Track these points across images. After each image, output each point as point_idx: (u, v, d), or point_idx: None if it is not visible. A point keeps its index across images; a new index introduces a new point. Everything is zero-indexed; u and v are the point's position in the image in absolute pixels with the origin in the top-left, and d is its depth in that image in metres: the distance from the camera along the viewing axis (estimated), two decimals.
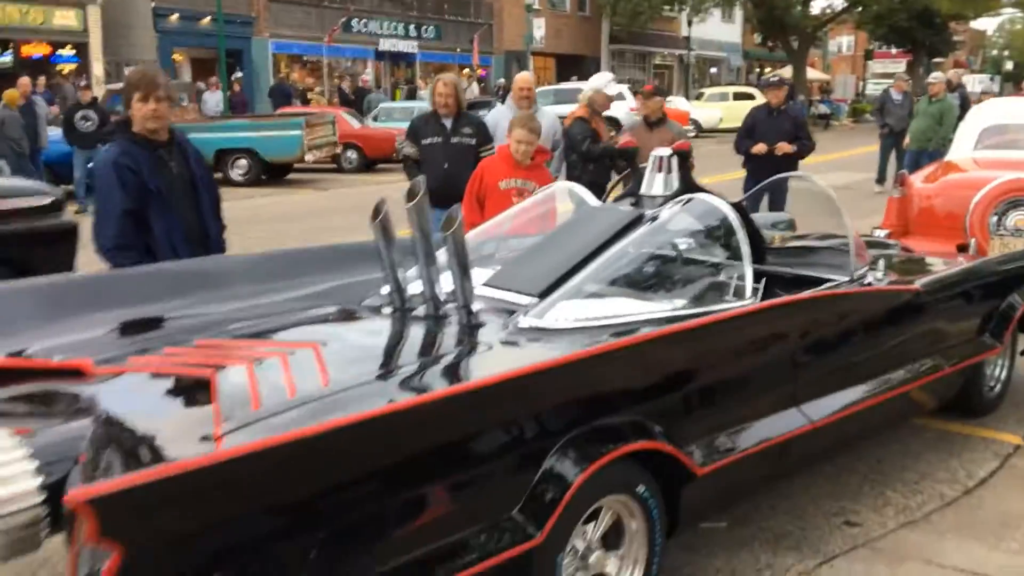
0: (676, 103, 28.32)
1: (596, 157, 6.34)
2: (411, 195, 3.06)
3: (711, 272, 3.63)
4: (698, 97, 34.12)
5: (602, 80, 6.76)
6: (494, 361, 2.73)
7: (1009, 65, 68.14)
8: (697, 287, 3.55)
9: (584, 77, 27.22)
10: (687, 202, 3.62)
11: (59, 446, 2.31)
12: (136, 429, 2.31)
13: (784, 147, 7.80)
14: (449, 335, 2.98)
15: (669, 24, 41.94)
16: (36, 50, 22.63)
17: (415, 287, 3.26)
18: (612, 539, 2.76)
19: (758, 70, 50.78)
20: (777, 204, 7.37)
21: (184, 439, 2.20)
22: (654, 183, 3.80)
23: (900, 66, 39.84)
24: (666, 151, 3.84)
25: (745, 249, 3.48)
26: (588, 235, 3.49)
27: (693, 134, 26.70)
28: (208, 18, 24.78)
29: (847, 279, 3.73)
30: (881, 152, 13.90)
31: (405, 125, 6.56)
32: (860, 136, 24.99)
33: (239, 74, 25.01)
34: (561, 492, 2.42)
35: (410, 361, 2.82)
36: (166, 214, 3.66)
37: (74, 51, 22.97)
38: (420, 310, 3.20)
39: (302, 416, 2.22)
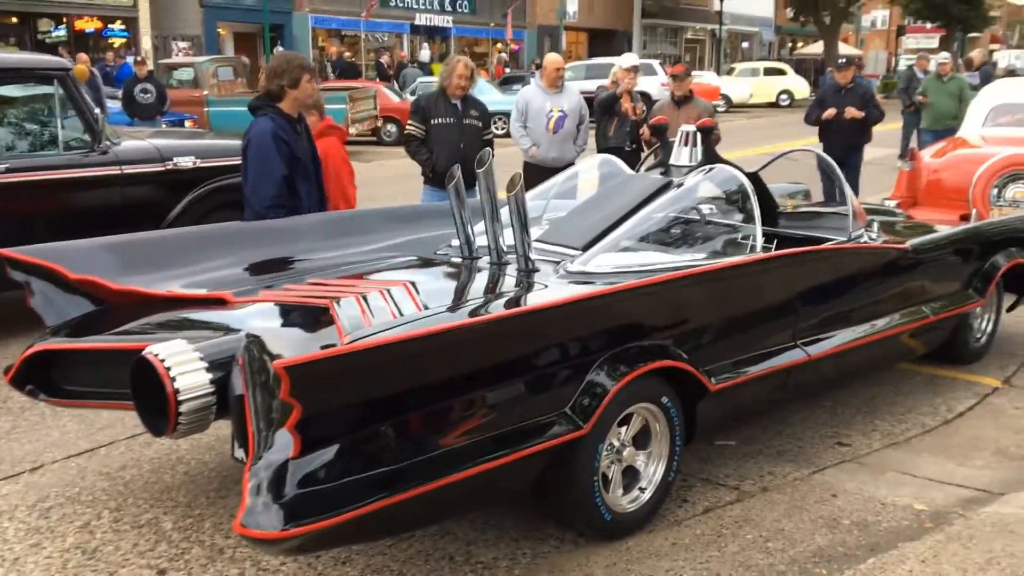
0: (706, 78, 28.72)
1: (599, 103, 7.59)
2: (480, 163, 3.75)
3: (728, 232, 4.29)
4: (729, 72, 34.41)
5: (625, 59, 7.83)
6: (550, 295, 3.41)
7: None
8: (716, 244, 4.21)
9: (615, 52, 27.69)
10: (709, 171, 4.28)
11: (219, 353, 3.01)
12: (280, 340, 3.04)
13: (852, 111, 8.62)
14: (512, 277, 3.67)
15: None
16: (88, 24, 23.51)
17: (480, 240, 3.95)
18: (641, 441, 3.45)
19: (790, 45, 50.72)
20: (850, 177, 8.31)
21: (319, 346, 2.92)
22: (681, 155, 4.46)
23: (933, 41, 39.73)
24: (691, 127, 4.49)
25: (757, 212, 4.12)
26: (624, 198, 4.16)
27: (723, 109, 27.10)
28: None
29: (845, 239, 4.38)
30: (904, 129, 14.34)
31: None
32: (888, 112, 25.25)
33: (280, 49, 25.75)
34: (602, 396, 3.10)
35: (483, 295, 3.53)
36: (306, 179, 4.47)
37: (123, 26, 23.81)
38: (485, 259, 3.89)
39: (407, 329, 2.92)
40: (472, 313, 3.23)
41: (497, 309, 3.29)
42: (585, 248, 3.83)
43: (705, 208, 4.36)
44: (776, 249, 4.13)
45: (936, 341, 4.95)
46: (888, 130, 17.79)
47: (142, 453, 4.09)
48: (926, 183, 7.62)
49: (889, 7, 49.74)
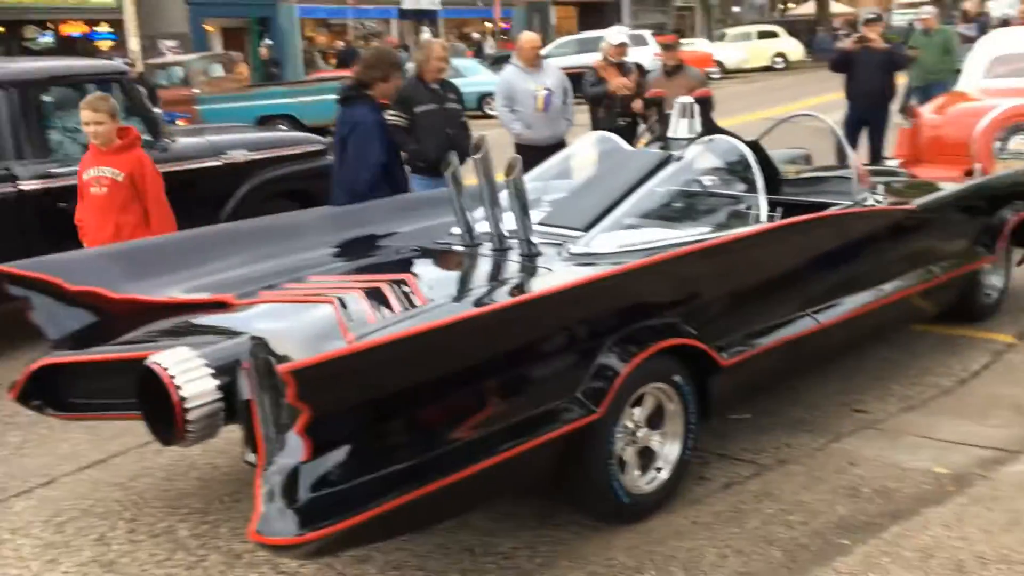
0: (698, 45, 28.48)
1: (590, 97, 7.39)
2: (477, 148, 3.69)
3: (732, 202, 4.23)
4: (721, 38, 34.11)
5: (611, 33, 7.75)
6: (555, 279, 3.36)
7: None
8: (719, 216, 4.15)
9: (607, 24, 27.44)
10: (708, 142, 4.22)
11: (224, 358, 2.97)
12: (285, 341, 2.99)
13: (878, 40, 8.67)
14: (515, 262, 3.63)
15: None
16: (74, 29, 23.37)
17: (481, 226, 3.90)
18: (655, 421, 3.41)
19: (781, 6, 50.25)
20: (876, 138, 8.79)
21: (324, 345, 2.87)
22: (679, 127, 4.39)
23: None
24: (688, 99, 4.42)
25: (760, 181, 4.06)
26: (624, 175, 4.10)
27: (718, 75, 26.91)
28: None
29: (850, 203, 4.32)
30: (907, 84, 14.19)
31: None
32: None
33: (269, 41, 25.59)
34: (613, 379, 3.06)
35: (487, 283, 3.48)
36: (398, 166, 4.97)
37: (110, 28, 23.65)
38: (487, 245, 3.84)
39: (412, 324, 2.87)
40: (478, 303, 3.19)
41: (503, 297, 3.24)
42: (587, 229, 3.78)
43: (707, 180, 4.30)
44: (781, 217, 4.07)
45: (947, 300, 4.90)
46: None
47: (154, 461, 4.06)
48: (927, 140, 7.53)
49: None
